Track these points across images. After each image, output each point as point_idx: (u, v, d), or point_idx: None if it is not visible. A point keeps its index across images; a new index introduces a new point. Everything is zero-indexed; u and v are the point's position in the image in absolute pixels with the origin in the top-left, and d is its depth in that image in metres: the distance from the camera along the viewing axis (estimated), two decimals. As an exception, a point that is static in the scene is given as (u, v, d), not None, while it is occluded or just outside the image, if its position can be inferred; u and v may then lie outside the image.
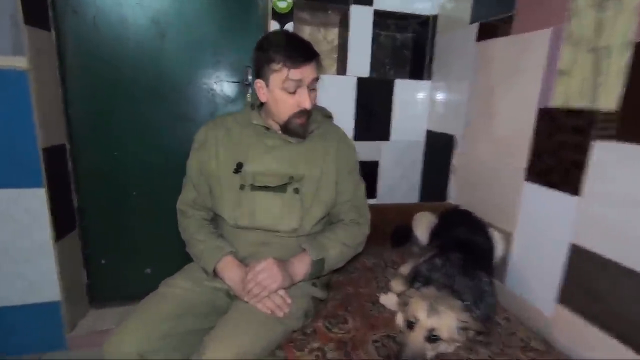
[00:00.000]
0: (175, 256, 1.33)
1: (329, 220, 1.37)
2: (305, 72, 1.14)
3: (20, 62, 1.50)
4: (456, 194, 1.94)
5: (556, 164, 1.32)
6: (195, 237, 1.26)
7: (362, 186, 1.38)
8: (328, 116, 1.40)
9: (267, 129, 1.25)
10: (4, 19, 1.48)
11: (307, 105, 1.16)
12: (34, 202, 1.65)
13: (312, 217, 1.24)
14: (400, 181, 2.21)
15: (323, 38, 2.02)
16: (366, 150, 2.11)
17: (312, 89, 1.18)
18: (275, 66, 1.14)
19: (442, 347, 1.06)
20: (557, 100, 1.31)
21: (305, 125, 1.21)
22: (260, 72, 1.18)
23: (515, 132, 1.51)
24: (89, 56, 1.75)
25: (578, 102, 1.23)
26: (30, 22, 1.52)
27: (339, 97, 2.01)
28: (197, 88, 1.92)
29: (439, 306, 1.07)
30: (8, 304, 1.72)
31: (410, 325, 1.07)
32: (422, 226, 1.64)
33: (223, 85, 1.95)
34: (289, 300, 1.12)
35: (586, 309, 1.21)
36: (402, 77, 2.09)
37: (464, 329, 1.07)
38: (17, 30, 1.48)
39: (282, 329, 1.09)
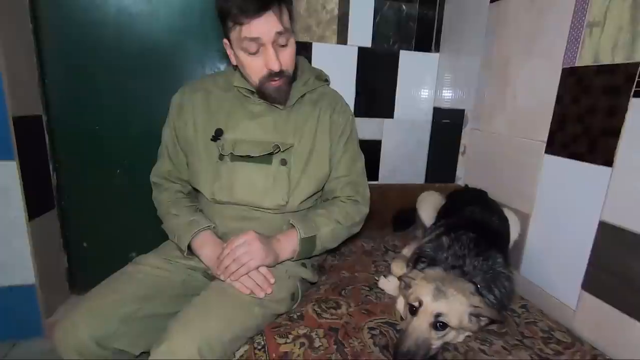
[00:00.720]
0: (162, 240, 1.19)
1: (324, 198, 1.22)
2: (262, 27, 0.93)
3: (-15, 22, 1.37)
4: (465, 175, 1.77)
5: (583, 132, 1.15)
6: (169, 212, 1.12)
7: (361, 160, 1.22)
8: (324, 80, 1.24)
9: (252, 92, 1.10)
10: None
11: (274, 66, 0.97)
12: (5, 176, 1.52)
13: (300, 193, 1.09)
14: (404, 162, 2.05)
15: (322, 7, 1.86)
16: (368, 128, 1.95)
17: (281, 45, 0.98)
18: (230, 23, 0.95)
19: (450, 336, 0.91)
20: (585, 58, 1.14)
21: (283, 87, 1.04)
22: (224, 30, 1.00)
23: (534, 100, 1.35)
24: (66, 20, 1.61)
25: (611, 57, 1.06)
26: (-3, -23, 1.39)
27: (338, 69, 1.85)
28: (187, 58, 1.77)
29: (447, 289, 0.91)
30: (-22, 286, 1.60)
31: (413, 310, 0.92)
32: (428, 206, 1.48)
33: (215, 55, 1.80)
34: (272, 280, 0.97)
35: (617, 296, 1.04)
36: (407, 49, 1.92)
37: (476, 315, 0.92)
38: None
39: (262, 313, 0.94)
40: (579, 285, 1.16)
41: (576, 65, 1.17)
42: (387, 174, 2.03)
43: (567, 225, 1.21)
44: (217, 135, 1.08)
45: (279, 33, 0.96)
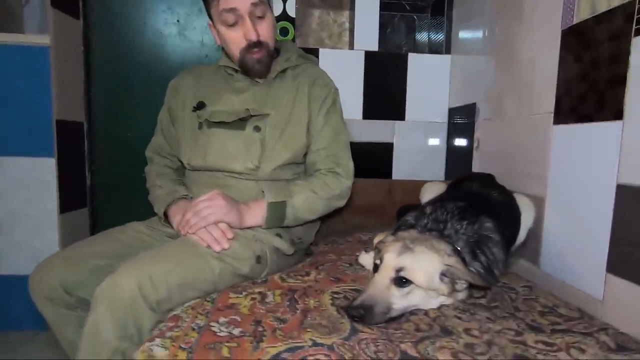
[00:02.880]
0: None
1: (307, 173, 1.20)
2: None
3: (43, 39, 1.66)
4: (481, 169, 1.63)
5: (589, 90, 1.02)
6: (155, 183, 1.18)
7: (344, 133, 1.21)
8: (309, 60, 1.28)
9: (236, 70, 1.17)
10: (35, 2, 1.68)
11: (252, 36, 1.05)
12: (44, 171, 1.73)
13: (274, 159, 1.09)
14: (421, 165, 1.95)
15: (333, 21, 1.97)
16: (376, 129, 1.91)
17: (258, 16, 1.06)
18: None
19: (417, 298, 0.78)
20: (583, 12, 1.05)
21: (264, 60, 1.10)
22: (207, 9, 1.11)
23: (538, 72, 1.25)
24: (112, 42, 1.90)
25: (608, 3, 0.96)
26: (57, 6, 1.70)
27: (344, 72, 1.89)
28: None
29: (416, 246, 0.81)
30: (14, 273, 1.76)
31: (376, 268, 0.82)
32: (430, 194, 1.36)
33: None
34: (229, 235, 0.94)
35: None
36: (418, 51, 1.92)
37: (450, 277, 0.79)
38: (43, 12, 1.67)
39: (220, 267, 0.90)
40: (603, 269, 0.96)
41: (574, 22, 1.08)
42: (401, 177, 1.94)
43: (584, 198, 1.03)
44: (199, 107, 1.15)
45: (254, 4, 1.04)
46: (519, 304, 0.82)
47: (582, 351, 0.63)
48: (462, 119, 1.80)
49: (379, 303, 0.75)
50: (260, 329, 0.70)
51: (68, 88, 1.80)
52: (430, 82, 1.92)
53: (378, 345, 0.65)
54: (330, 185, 1.12)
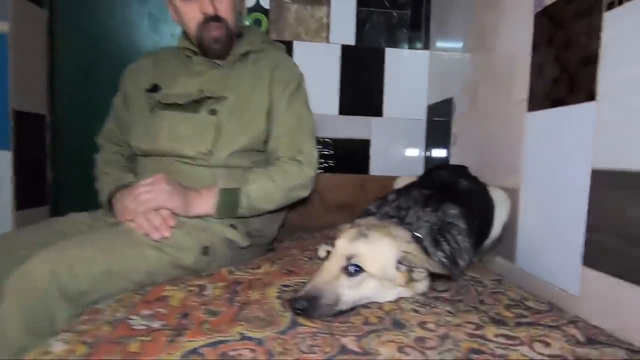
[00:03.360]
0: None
1: (268, 162, 1.12)
2: None
3: (1, 26, 1.58)
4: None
5: (562, 72, 0.97)
6: (102, 171, 1.09)
7: (308, 120, 1.13)
8: (275, 45, 1.22)
9: (195, 53, 1.10)
10: (-7, -11, 1.60)
11: (208, 9, 0.99)
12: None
13: (229, 144, 1.02)
14: (398, 163, 1.88)
15: (310, 16, 1.92)
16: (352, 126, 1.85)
17: None
18: None
19: (370, 289, 0.70)
20: (553, -8, 1.00)
21: (222, 38, 1.03)
22: None
23: (513, 58, 1.19)
24: (78, 31, 1.81)
25: (578, -20, 0.92)
26: (17, -8, 1.62)
27: (320, 66, 1.83)
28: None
29: (371, 232, 0.73)
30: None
31: (327, 256, 0.74)
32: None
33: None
34: (171, 223, 0.86)
35: (621, 262, 0.77)
36: (396, 47, 1.88)
37: (407, 265, 0.71)
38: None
39: (157, 257, 0.81)
40: (579, 262, 0.89)
41: (546, 4, 1.03)
42: (380, 174, 1.88)
43: (559, 187, 0.97)
44: (153, 89, 1.08)
45: None
46: (484, 297, 0.74)
47: (547, 345, 0.55)
48: (440, 116, 1.74)
49: (326, 294, 0.66)
50: (185, 322, 0.61)
51: (29, 78, 1.70)
52: (408, 78, 1.87)
53: (316, 340, 0.56)
54: (291, 174, 1.04)
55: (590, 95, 0.87)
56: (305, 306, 0.64)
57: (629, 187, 0.77)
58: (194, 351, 0.52)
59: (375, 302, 0.71)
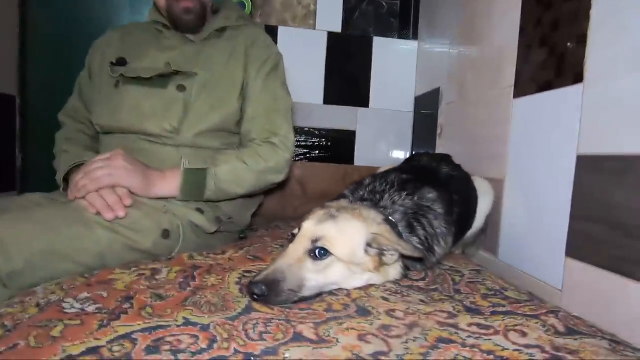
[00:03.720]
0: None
1: (241, 143, 1.06)
2: None
3: (-32, 2, 1.49)
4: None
5: (549, 54, 0.92)
6: (61, 148, 1.02)
7: (285, 102, 1.07)
8: (252, 22, 1.15)
9: (167, 27, 1.04)
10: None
11: None
12: (-38, 145, 1.53)
13: (198, 123, 0.96)
14: (384, 156, 1.83)
15: (297, 2, 1.86)
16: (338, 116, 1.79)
17: None
18: None
19: (336, 274, 0.64)
20: (543, -28, 0.96)
21: (194, 10, 0.97)
22: None
23: (500, 43, 1.15)
24: (54, 14, 1.72)
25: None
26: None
27: (305, 53, 1.77)
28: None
29: (341, 214, 0.68)
30: None
31: (292, 238, 0.68)
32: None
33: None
34: (127, 202, 0.79)
35: (605, 250, 0.73)
36: (383, 35, 1.82)
37: (377, 247, 0.66)
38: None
39: (108, 238, 0.74)
40: (562, 254, 0.84)
41: (535, -15, 0.99)
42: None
43: (543, 175, 0.93)
44: (118, 63, 1.00)
45: None
46: (461, 287, 0.69)
47: (523, 334, 0.50)
48: (427, 107, 1.70)
49: (289, 278, 0.60)
50: (126, 306, 0.54)
51: (-4, 55, 1.61)
52: (396, 68, 1.82)
53: (268, 326, 0.50)
54: (264, 157, 0.98)
55: (577, 77, 0.83)
56: (264, 291, 0.58)
57: (615, 172, 0.73)
58: (125, 336, 0.46)
59: (343, 288, 0.65)
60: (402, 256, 0.69)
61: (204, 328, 0.48)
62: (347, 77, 1.80)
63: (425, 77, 1.73)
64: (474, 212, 1.05)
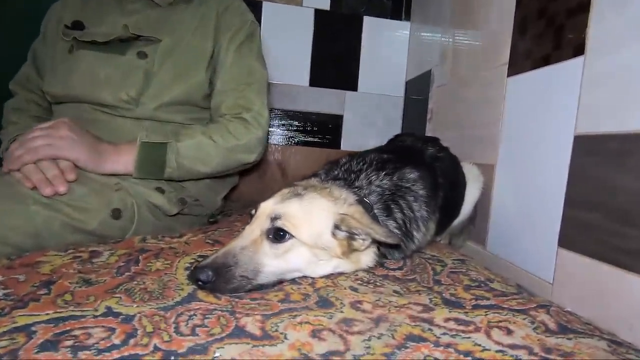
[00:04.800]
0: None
1: (212, 119, 0.97)
2: None
3: None
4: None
5: (547, 26, 0.84)
6: (9, 119, 0.92)
7: (259, 74, 0.97)
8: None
9: None
10: None
11: None
12: None
13: (159, 94, 0.86)
14: (373, 142, 1.75)
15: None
16: (324, 99, 1.70)
17: None
18: None
19: (297, 259, 0.56)
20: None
21: None
22: None
23: (495, 18, 1.06)
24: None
25: None
26: None
27: (290, 32, 1.67)
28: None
29: (308, 193, 0.59)
30: None
31: (251, 219, 0.60)
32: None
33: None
34: (70, 177, 0.70)
35: (600, 240, 0.66)
36: (374, 15, 1.73)
37: (346, 230, 0.57)
38: None
39: (45, 216, 0.65)
40: (554, 244, 0.77)
41: (534, -49, 0.90)
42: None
43: (537, 159, 0.85)
44: (74, 26, 0.90)
45: None
46: (442, 277, 0.61)
47: (509, 332, 0.42)
48: (418, 91, 1.61)
49: (242, 263, 0.52)
50: (42, 292, 0.46)
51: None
52: (387, 50, 1.73)
53: (207, 319, 0.42)
54: (234, 133, 0.89)
55: (578, 50, 0.75)
56: (210, 277, 0.50)
57: (617, 153, 0.65)
58: (23, 328, 0.37)
59: (308, 276, 0.57)
60: (377, 242, 0.61)
61: (127, 320, 0.40)
62: (335, 59, 1.70)
63: (417, 59, 1.64)
64: (462, 198, 0.97)
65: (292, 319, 0.43)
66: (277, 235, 0.54)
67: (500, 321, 0.45)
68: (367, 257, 0.61)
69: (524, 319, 0.45)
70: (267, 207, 0.57)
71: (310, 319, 0.43)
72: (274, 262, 0.54)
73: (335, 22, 1.68)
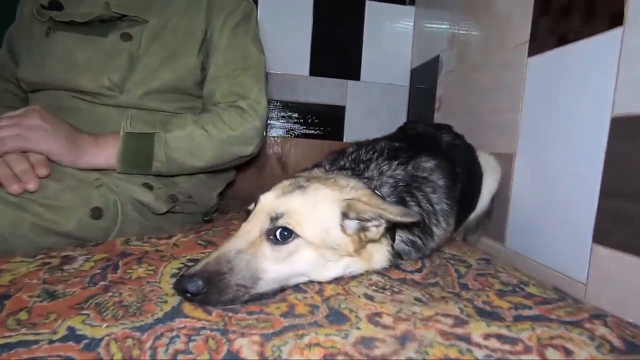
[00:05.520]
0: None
1: (204, 108, 0.89)
2: None
3: None
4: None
5: (576, -2, 0.76)
6: None
7: (256, 60, 0.89)
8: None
9: None
10: None
11: None
12: None
13: (146, 80, 0.78)
14: (377, 134, 1.66)
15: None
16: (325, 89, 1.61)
17: None
18: None
19: (305, 262, 0.47)
20: None
21: None
22: None
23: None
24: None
25: None
26: None
27: (289, 19, 1.58)
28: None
29: (311, 184, 0.51)
30: None
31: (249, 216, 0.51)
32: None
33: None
34: (42, 172, 0.61)
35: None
36: None
37: (355, 217, 0.49)
38: None
39: (9, 216, 0.57)
40: (589, 240, 0.69)
41: None
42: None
43: (564, 146, 0.76)
44: (51, 6, 0.81)
45: None
46: (468, 281, 0.53)
47: (567, 353, 0.34)
48: (425, 79, 1.53)
49: (238, 269, 0.44)
50: (-8, 309, 0.38)
51: None
52: (391, 37, 1.64)
53: (193, 342, 0.34)
54: (229, 124, 0.80)
55: (616, 20, 0.66)
56: (200, 288, 0.41)
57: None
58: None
59: (313, 280, 0.49)
60: (391, 235, 0.53)
61: (90, 346, 0.32)
62: (336, 47, 1.61)
63: (423, 46, 1.55)
64: (479, 190, 0.89)
65: (298, 339, 0.35)
66: (280, 235, 0.46)
67: (553, 337, 0.37)
68: (380, 256, 0.52)
69: (580, 333, 0.37)
70: (266, 203, 0.48)
71: (321, 339, 0.35)
72: (275, 266, 0.46)
73: (336, 7, 1.59)
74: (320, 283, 0.49)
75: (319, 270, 0.49)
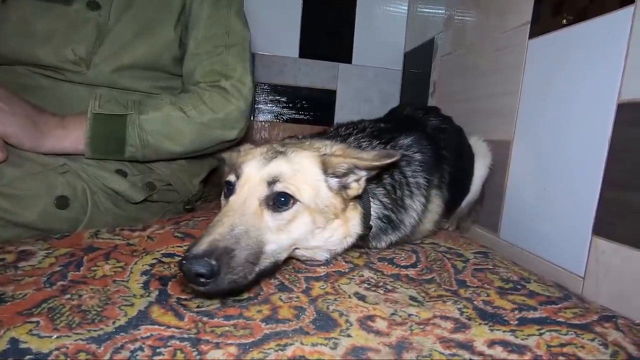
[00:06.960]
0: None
1: (184, 87, 0.82)
2: None
3: None
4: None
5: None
6: None
7: (240, 36, 0.82)
8: None
9: None
10: None
11: None
12: None
13: (117, 54, 0.71)
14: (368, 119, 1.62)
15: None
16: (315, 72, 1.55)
17: None
18: None
19: (302, 228, 0.44)
20: None
21: None
22: None
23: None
24: None
25: None
26: None
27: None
28: None
29: (288, 148, 0.47)
30: None
31: (230, 189, 0.46)
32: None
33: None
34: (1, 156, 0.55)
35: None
36: (369, -22, 1.56)
37: (332, 171, 0.45)
38: None
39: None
40: (588, 232, 0.66)
41: None
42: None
43: (564, 132, 0.73)
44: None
45: None
46: (466, 277, 0.50)
47: (580, 363, 0.31)
48: (419, 63, 1.47)
49: (244, 243, 0.39)
50: None
51: None
52: (384, 19, 1.57)
53: (157, 355, 0.29)
54: (211, 105, 0.74)
55: (626, -2, 0.62)
56: (215, 269, 0.35)
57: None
58: None
59: (300, 250, 0.45)
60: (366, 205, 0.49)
61: (35, 363, 0.27)
62: (328, 28, 1.54)
63: (418, 28, 1.49)
64: (471, 175, 0.85)
65: (280, 350, 0.31)
66: (279, 201, 0.42)
67: (563, 344, 0.33)
68: (356, 221, 0.49)
69: (592, 339, 0.34)
70: (258, 170, 0.43)
71: (307, 350, 0.31)
72: (276, 236, 0.42)
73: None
74: (307, 283, 0.45)
75: (308, 239, 0.46)
